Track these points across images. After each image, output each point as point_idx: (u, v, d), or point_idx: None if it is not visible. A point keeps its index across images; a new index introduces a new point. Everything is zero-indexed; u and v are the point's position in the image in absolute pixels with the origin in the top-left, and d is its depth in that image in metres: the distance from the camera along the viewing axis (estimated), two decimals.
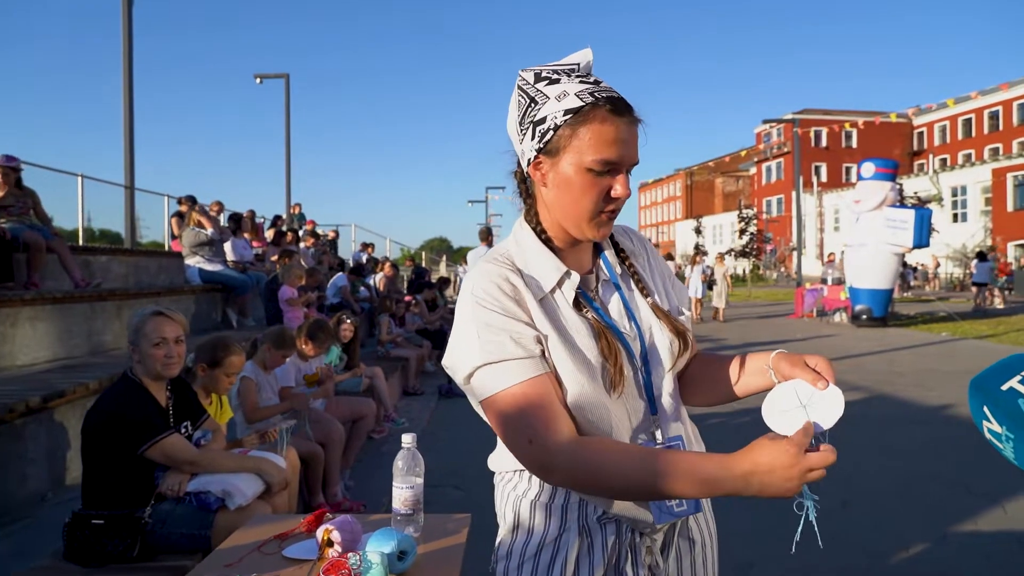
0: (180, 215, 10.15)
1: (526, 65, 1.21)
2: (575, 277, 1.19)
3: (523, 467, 1.17)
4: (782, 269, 46.41)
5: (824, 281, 18.44)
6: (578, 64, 1.17)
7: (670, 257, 22.14)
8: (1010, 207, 34.92)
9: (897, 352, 11.37)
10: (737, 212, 46.58)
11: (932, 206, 29.82)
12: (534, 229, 1.22)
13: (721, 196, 68.14)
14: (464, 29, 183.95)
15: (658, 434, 1.19)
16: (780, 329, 15.38)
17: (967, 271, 30.39)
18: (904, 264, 20.90)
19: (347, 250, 19.00)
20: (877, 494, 4.46)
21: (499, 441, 1.22)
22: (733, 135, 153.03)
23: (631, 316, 1.23)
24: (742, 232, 43.21)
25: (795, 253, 25.33)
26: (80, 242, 9.71)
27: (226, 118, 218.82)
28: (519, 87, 1.18)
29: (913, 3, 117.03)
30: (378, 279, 11.85)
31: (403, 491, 1.71)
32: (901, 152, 49.34)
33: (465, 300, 1.17)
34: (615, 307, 1.23)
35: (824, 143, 50.48)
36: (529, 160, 1.18)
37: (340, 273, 10.56)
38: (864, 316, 15.27)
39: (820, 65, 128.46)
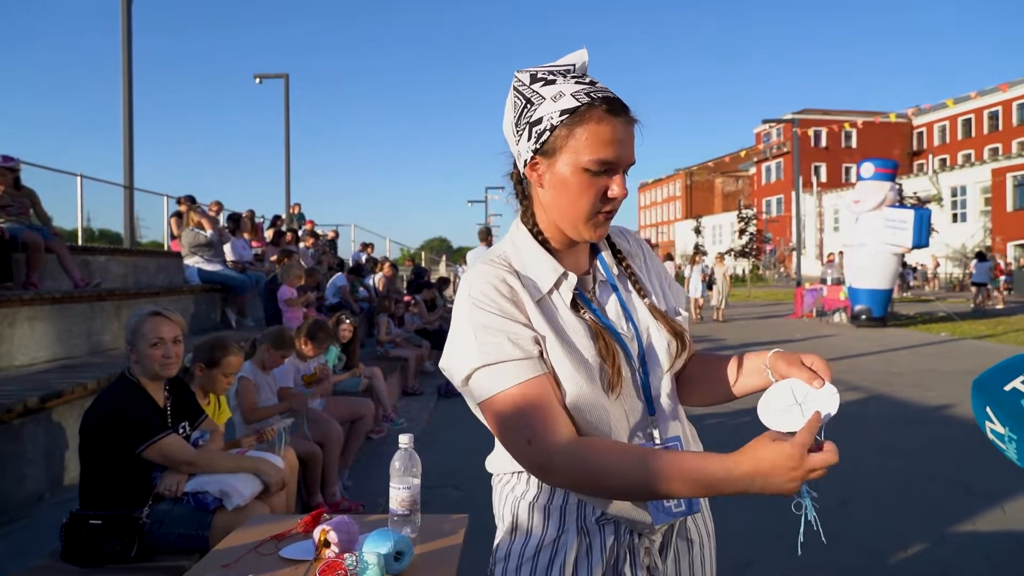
0: (179, 215, 10.15)
1: (526, 65, 1.21)
2: (572, 278, 1.19)
3: (522, 469, 1.16)
4: (781, 269, 46.41)
5: (823, 281, 18.45)
6: (574, 65, 1.17)
7: (670, 257, 22.10)
8: (1009, 207, 34.93)
9: (896, 352, 11.38)
10: (737, 212, 46.61)
11: (931, 206, 29.87)
12: (531, 230, 1.22)
13: (721, 196, 68.16)
14: (464, 29, 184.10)
15: (656, 434, 1.19)
16: (779, 329, 15.38)
17: (966, 271, 30.40)
18: (903, 264, 20.90)
19: (347, 250, 19.02)
20: (876, 494, 4.46)
21: (497, 443, 1.22)
22: (733, 135, 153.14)
23: (628, 317, 1.22)
24: (742, 232, 43.22)
25: (794, 253, 25.33)
26: (79, 242, 9.70)
27: (226, 118, 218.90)
28: (515, 88, 1.18)
29: (913, 3, 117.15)
30: (377, 279, 11.85)
31: (400, 492, 1.71)
32: (901, 152, 49.36)
33: (462, 302, 1.16)
34: (612, 308, 1.23)
35: (824, 143, 50.50)
36: (526, 161, 1.18)
37: (339, 273, 10.56)
38: (863, 316, 15.27)
39: (820, 65, 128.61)
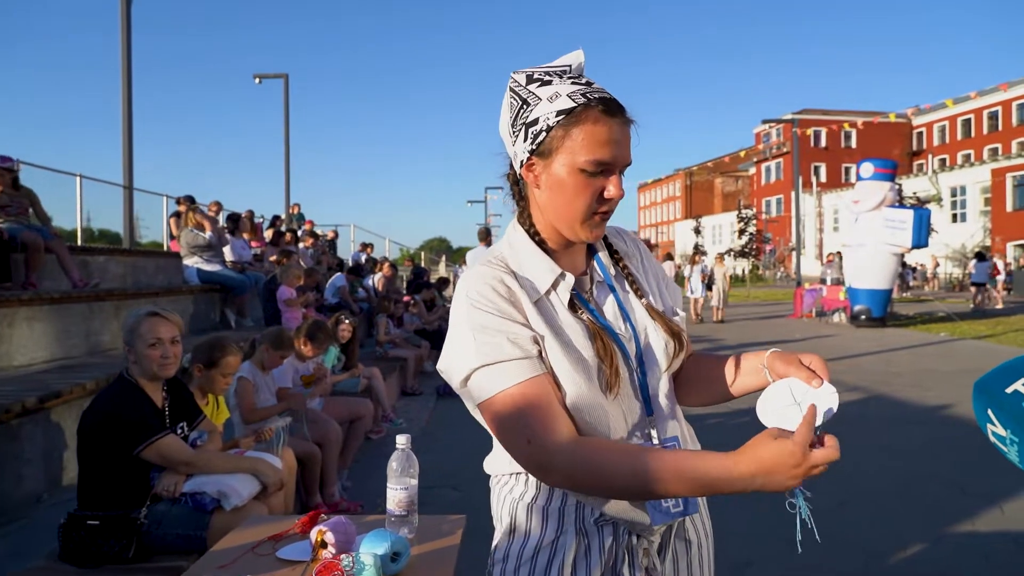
0: (178, 215, 10.15)
1: (525, 65, 1.21)
2: (570, 279, 1.19)
3: (520, 469, 1.16)
4: (781, 269, 46.43)
5: (823, 281, 18.45)
6: (570, 66, 1.16)
7: (670, 257, 22.10)
8: (1009, 207, 34.94)
9: (895, 352, 11.38)
10: (736, 212, 46.64)
11: (931, 206, 29.88)
12: (527, 231, 1.22)
13: (720, 196, 68.18)
14: (463, 28, 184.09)
15: (654, 434, 1.19)
16: (779, 329, 15.38)
17: (966, 271, 30.39)
18: (903, 264, 20.90)
19: (346, 250, 19.02)
20: (875, 494, 4.46)
21: (495, 444, 1.22)
22: (732, 135, 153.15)
23: (626, 317, 1.22)
24: (741, 232, 43.25)
25: (794, 253, 25.34)
26: (79, 242, 9.70)
27: (225, 118, 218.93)
28: (511, 89, 1.18)
29: (913, 3, 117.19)
30: (377, 279, 11.85)
31: (397, 492, 1.71)
32: (900, 152, 49.38)
33: (460, 303, 1.16)
34: (610, 308, 1.23)
35: (823, 143, 50.51)
36: (522, 162, 1.18)
37: (339, 273, 10.56)
38: (863, 316, 15.27)
39: (819, 65, 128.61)
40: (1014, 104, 42.71)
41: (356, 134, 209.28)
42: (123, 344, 2.69)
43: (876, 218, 14.89)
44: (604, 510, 1.15)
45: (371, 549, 1.50)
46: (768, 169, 56.52)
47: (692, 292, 17.18)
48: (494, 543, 1.25)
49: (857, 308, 15.42)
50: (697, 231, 48.85)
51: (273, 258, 9.66)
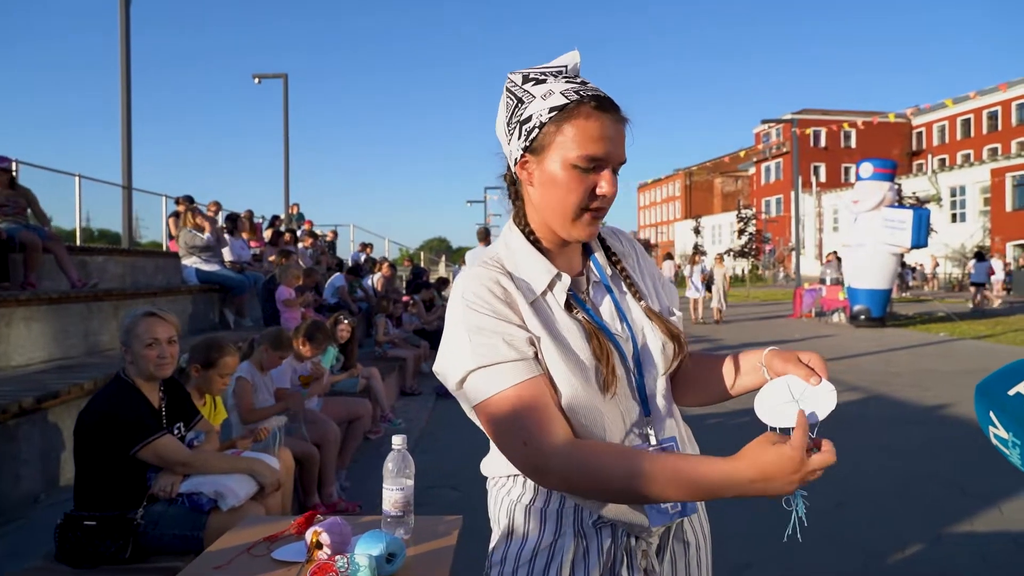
0: (177, 215, 10.15)
1: (524, 63, 1.21)
2: (566, 279, 1.18)
3: (517, 471, 1.16)
4: (780, 269, 46.46)
5: (823, 281, 18.45)
6: (566, 66, 1.17)
7: (669, 257, 22.10)
8: (1009, 207, 34.94)
9: (895, 352, 11.38)
10: (736, 212, 46.66)
11: (931, 206, 29.88)
12: (522, 230, 1.22)
13: (720, 196, 68.19)
14: (463, 28, 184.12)
15: (651, 435, 1.18)
16: (778, 329, 15.38)
17: (965, 271, 30.41)
18: (902, 264, 20.90)
19: (346, 250, 19.02)
20: (874, 494, 4.45)
21: (492, 445, 1.21)
22: (732, 135, 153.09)
23: (623, 317, 1.22)
24: (741, 232, 43.27)
25: (794, 253, 25.34)
26: (78, 242, 9.70)
27: (225, 118, 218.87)
28: (507, 89, 1.18)
29: (912, 3, 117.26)
30: (376, 279, 11.84)
31: (393, 493, 1.70)
32: (900, 152, 49.39)
33: (455, 305, 1.15)
34: (606, 309, 1.22)
35: (823, 143, 50.52)
36: (516, 160, 1.18)
37: (338, 273, 10.55)
38: (862, 316, 15.27)
39: (819, 65, 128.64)
40: (1014, 104, 42.71)
41: (355, 134, 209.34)
42: (120, 344, 2.69)
43: (875, 218, 14.90)
44: (602, 512, 1.15)
45: (366, 550, 1.50)
46: (768, 169, 56.53)
47: (693, 292, 17.16)
48: (491, 545, 1.24)
49: (856, 308, 15.42)
50: (697, 231, 48.87)
51: (272, 258, 9.66)
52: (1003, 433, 0.95)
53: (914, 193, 33.67)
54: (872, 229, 14.89)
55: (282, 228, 13.35)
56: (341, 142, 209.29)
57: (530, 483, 1.18)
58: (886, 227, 14.70)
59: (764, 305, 23.96)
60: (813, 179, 46.46)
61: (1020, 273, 27.84)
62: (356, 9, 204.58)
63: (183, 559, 2.46)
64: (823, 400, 1.04)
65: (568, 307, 1.17)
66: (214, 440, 2.97)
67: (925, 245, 15.19)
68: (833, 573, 3.36)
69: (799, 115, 44.71)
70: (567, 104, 1.12)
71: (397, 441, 1.72)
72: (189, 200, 10.09)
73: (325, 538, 1.59)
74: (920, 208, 15.95)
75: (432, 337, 9.66)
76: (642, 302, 1.24)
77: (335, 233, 18.55)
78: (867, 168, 15.51)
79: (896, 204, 15.61)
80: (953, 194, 38.78)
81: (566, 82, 1.15)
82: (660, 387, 1.22)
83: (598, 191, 1.13)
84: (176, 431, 2.71)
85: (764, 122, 35.53)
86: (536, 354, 1.12)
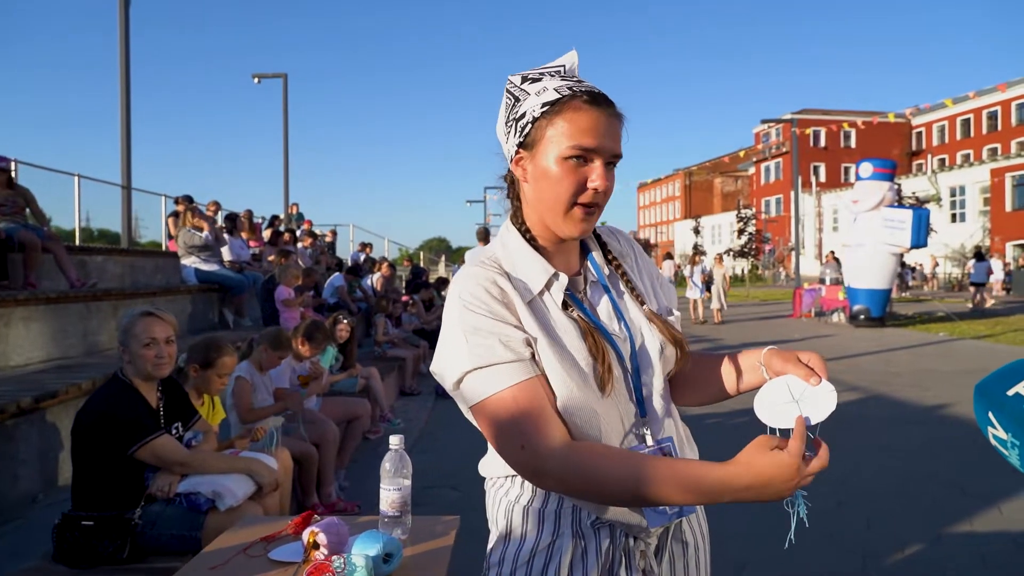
0: (176, 215, 10.14)
1: (524, 62, 1.22)
2: (563, 279, 1.18)
3: (515, 472, 1.15)
4: (780, 269, 46.46)
5: (822, 281, 18.45)
6: (564, 66, 1.18)
7: (669, 256, 22.10)
8: (1008, 207, 34.94)
9: (894, 352, 11.38)
10: (736, 212, 46.66)
11: (930, 206, 29.86)
12: (519, 229, 1.21)
13: (720, 196, 68.19)
14: (463, 27, 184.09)
15: (647, 436, 1.18)
16: (778, 329, 15.38)
17: (965, 271, 30.42)
18: (902, 264, 20.90)
19: (345, 250, 19.02)
20: (873, 494, 4.45)
21: (490, 446, 1.21)
22: (732, 135, 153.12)
23: (620, 317, 1.21)
24: (741, 232, 43.26)
25: (793, 253, 25.35)
26: (77, 242, 9.69)
27: (224, 117, 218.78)
28: (506, 89, 1.19)
29: (912, 3, 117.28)
30: (375, 279, 11.84)
31: (390, 493, 1.70)
32: (900, 152, 49.39)
33: (452, 304, 1.15)
34: (604, 309, 1.22)
35: (823, 143, 50.51)
36: (511, 157, 1.19)
37: (337, 273, 10.55)
38: (862, 316, 15.27)
39: (819, 65, 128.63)
40: (1013, 104, 42.71)
41: (355, 134, 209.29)
42: (118, 344, 2.68)
43: (875, 218, 14.90)
44: (600, 513, 1.14)
45: (363, 550, 1.49)
46: (767, 169, 56.53)
47: (693, 293, 17.14)
48: (489, 546, 1.24)
49: (856, 308, 15.42)
50: (696, 231, 48.86)
51: (271, 258, 9.65)
52: (1002, 434, 0.95)
53: (914, 193, 33.65)
54: (872, 229, 14.89)
55: (281, 228, 13.34)
56: (341, 142, 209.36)
57: (528, 484, 1.18)
58: (886, 227, 14.70)
59: (764, 305, 23.96)
60: (813, 179, 46.47)
61: (1020, 273, 27.84)
62: (356, 9, 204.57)
63: (181, 559, 2.46)
64: (823, 401, 1.03)
65: (565, 307, 1.17)
66: (212, 440, 2.97)
67: (925, 245, 15.19)
68: (832, 573, 3.35)
69: (799, 115, 44.70)
70: (559, 98, 1.12)
71: (394, 441, 1.71)
72: (188, 200, 10.08)
73: (322, 538, 1.59)
74: (920, 208, 15.95)
75: (431, 337, 9.65)
76: (644, 305, 1.24)
77: (334, 233, 18.55)
78: (867, 168, 15.51)
79: (896, 204, 15.61)
80: (953, 194, 38.78)
81: (562, 80, 1.15)
82: (657, 387, 1.21)
83: (589, 184, 1.13)
84: (174, 431, 2.71)
85: (764, 122, 35.52)
86: (533, 355, 1.11)
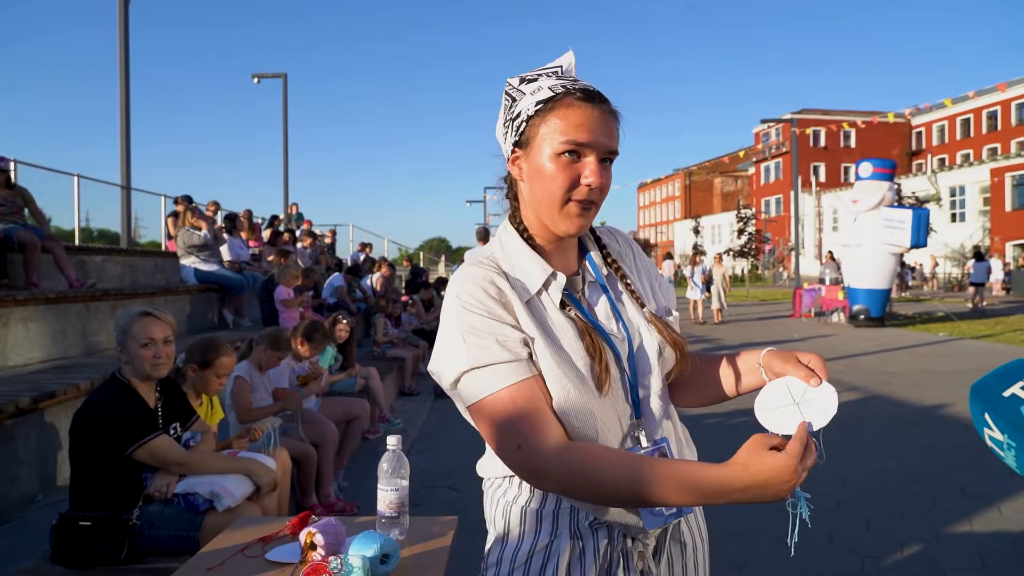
0: (176, 215, 10.14)
1: (522, 63, 1.22)
2: (561, 278, 1.17)
3: (513, 473, 1.15)
4: (780, 269, 46.45)
5: (822, 281, 18.45)
6: (560, 67, 1.18)
7: (669, 256, 22.08)
8: (1008, 207, 34.93)
9: (894, 352, 11.37)
10: (735, 212, 46.65)
11: (930, 206, 29.88)
12: (517, 228, 1.21)
13: (720, 196, 68.19)
14: (463, 27, 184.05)
15: (642, 438, 1.17)
16: (778, 329, 15.37)
17: (964, 271, 30.42)
18: (902, 264, 20.90)
19: (345, 250, 19.02)
20: (873, 494, 4.45)
21: (487, 446, 1.21)
22: (731, 135, 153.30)
23: (618, 317, 1.21)
24: (740, 232, 43.26)
25: (793, 253, 25.35)
26: (76, 242, 9.69)
27: (224, 117, 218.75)
28: (505, 91, 1.20)
29: (912, 3, 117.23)
30: (375, 279, 11.83)
31: (388, 493, 1.70)
32: (899, 152, 49.38)
33: (450, 304, 1.15)
34: (602, 309, 1.21)
35: (823, 143, 50.51)
36: (507, 157, 1.19)
37: (336, 273, 10.55)
38: (862, 316, 15.27)
39: (819, 65, 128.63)
40: (1013, 104, 42.70)
41: (355, 134, 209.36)
42: (115, 344, 2.68)
43: (875, 218, 14.90)
44: (598, 513, 1.14)
45: (360, 551, 1.49)
46: (767, 169, 56.52)
47: (693, 293, 17.12)
48: (487, 547, 1.24)
49: (856, 308, 15.42)
50: (696, 231, 48.86)
51: (271, 258, 9.65)
52: (998, 435, 0.94)
53: (913, 193, 33.69)
54: (871, 229, 14.88)
55: (281, 228, 13.33)
56: (341, 142, 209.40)
57: (525, 484, 1.17)
58: (885, 227, 14.70)
59: (764, 305, 23.96)
60: (813, 179, 46.46)
61: (1020, 273, 27.84)
62: (356, 9, 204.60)
63: (179, 559, 2.45)
64: (825, 404, 1.02)
65: (563, 306, 1.16)
66: (210, 440, 2.96)
67: (924, 245, 15.19)
68: (831, 573, 3.35)
69: (799, 115, 44.71)
70: (553, 96, 1.13)
71: (392, 442, 1.71)
72: (188, 200, 10.08)
73: (319, 539, 1.58)
74: (919, 208, 15.96)
75: (431, 337, 9.64)
76: (645, 308, 1.23)
77: (334, 233, 18.54)
78: (866, 168, 15.51)
79: (895, 204, 15.61)
80: (952, 194, 38.78)
81: (557, 80, 1.16)
82: (655, 388, 1.20)
83: (583, 180, 1.13)
84: (172, 431, 2.70)
85: (764, 122, 35.52)
86: (530, 355, 1.11)
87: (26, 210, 6.33)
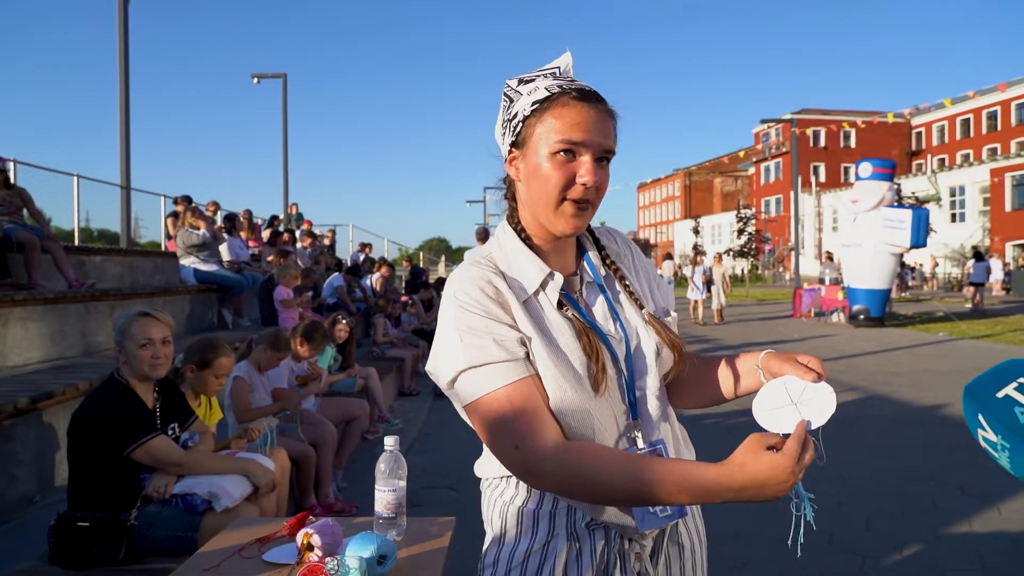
0: (176, 215, 10.13)
1: (522, 62, 1.22)
2: (558, 278, 1.17)
3: (510, 473, 1.15)
4: (780, 269, 46.44)
5: (822, 281, 18.44)
6: (558, 67, 1.19)
7: (669, 257, 22.07)
8: (1008, 207, 34.92)
9: (894, 352, 11.37)
10: (735, 212, 46.63)
11: (930, 206, 29.87)
12: (515, 228, 1.21)
13: (720, 196, 68.19)
14: (463, 27, 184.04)
15: (639, 439, 1.17)
16: (778, 329, 15.37)
17: (964, 271, 30.42)
18: (902, 264, 20.89)
19: (345, 250, 19.01)
20: (872, 494, 4.44)
21: (485, 446, 1.21)
22: (731, 135, 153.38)
23: (616, 318, 1.21)
24: (740, 232, 43.24)
25: (793, 253, 25.35)
26: (76, 242, 9.69)
27: (224, 117, 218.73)
28: (504, 92, 1.20)
29: (912, 3, 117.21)
30: (374, 279, 11.83)
31: (385, 494, 1.69)
32: (899, 152, 49.37)
33: (447, 303, 1.15)
34: (599, 309, 1.21)
35: (822, 143, 50.50)
36: (504, 157, 1.20)
37: (336, 273, 10.54)
38: (861, 316, 15.26)
39: (819, 65, 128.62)
40: (1013, 104, 42.69)
41: (355, 134, 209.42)
42: (114, 344, 2.68)
43: (875, 218, 14.89)
44: (595, 514, 1.14)
45: (357, 552, 1.48)
46: (767, 169, 56.51)
47: (694, 293, 17.10)
48: (484, 547, 1.24)
49: (856, 308, 15.41)
50: (696, 231, 48.84)
51: (270, 258, 9.65)
52: (992, 436, 0.94)
53: (913, 193, 33.67)
54: (871, 229, 14.88)
55: (281, 228, 13.33)
56: (341, 142, 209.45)
57: (523, 484, 1.17)
58: (885, 227, 14.70)
59: (763, 305, 23.96)
60: (812, 179, 46.44)
61: (1019, 273, 27.83)
62: (356, 9, 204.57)
63: (177, 560, 2.45)
64: (823, 403, 1.02)
65: (560, 306, 1.16)
66: (209, 441, 2.96)
67: (924, 245, 15.18)
68: (831, 573, 3.35)
69: (798, 115, 44.70)
70: (548, 96, 1.13)
71: (389, 442, 1.71)
72: (188, 200, 10.08)
73: (316, 540, 1.58)
74: (919, 208, 15.95)
75: (430, 337, 9.62)
76: (643, 309, 1.23)
77: (334, 233, 18.54)
78: (866, 168, 15.50)
79: (895, 204, 15.60)
80: (952, 194, 38.77)
81: (554, 80, 1.16)
82: (652, 389, 1.20)
83: (578, 179, 1.12)
84: (170, 432, 2.70)
85: (763, 122, 35.52)
86: (527, 354, 1.11)
87: (25, 210, 6.33)
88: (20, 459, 3.80)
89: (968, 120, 46.50)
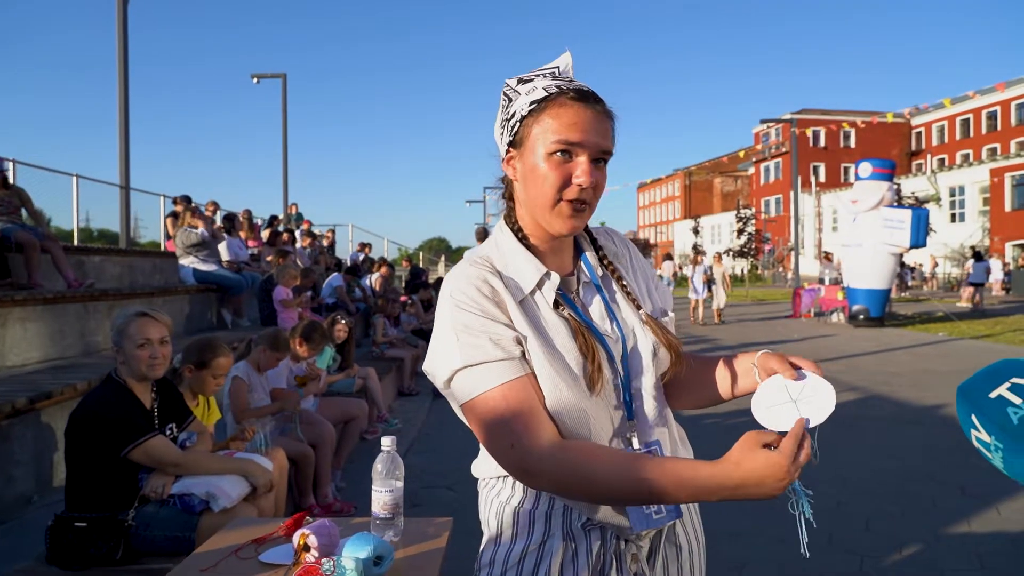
0: (175, 215, 10.13)
1: (521, 62, 1.22)
2: (555, 278, 1.17)
3: (506, 473, 1.15)
4: (780, 269, 46.44)
5: (822, 281, 18.44)
6: (558, 67, 1.19)
7: (669, 257, 22.07)
8: (1008, 207, 34.93)
9: (894, 352, 11.36)
10: (735, 212, 46.64)
11: (930, 206, 29.87)
12: (512, 228, 1.21)
13: (719, 196, 68.19)
14: (463, 26, 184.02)
15: (635, 439, 1.17)
16: (778, 329, 15.36)
17: (964, 271, 30.43)
18: (901, 264, 20.89)
19: (344, 250, 19.01)
20: (872, 494, 4.44)
21: (481, 446, 1.20)
22: (731, 135, 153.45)
23: (613, 318, 1.20)
24: (740, 232, 43.25)
25: (793, 253, 25.35)
26: (75, 242, 9.68)
27: (223, 117, 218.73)
28: (503, 92, 1.20)
29: (912, 3, 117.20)
30: (374, 279, 11.82)
31: (382, 495, 1.69)
32: (899, 152, 49.38)
33: (444, 303, 1.16)
34: (596, 309, 1.21)
35: (822, 143, 50.50)
36: (502, 157, 1.20)
37: (336, 273, 10.53)
38: (861, 316, 15.26)
39: (818, 65, 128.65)
40: (1013, 104, 42.69)
41: (355, 134, 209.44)
42: (112, 344, 2.67)
43: (874, 218, 14.89)
44: (592, 515, 1.14)
45: (353, 553, 1.48)
46: (767, 169, 56.51)
47: (694, 293, 17.10)
48: (481, 547, 1.24)
49: (855, 308, 15.41)
50: (696, 231, 48.84)
51: (270, 258, 9.64)
52: (985, 436, 0.93)
53: (913, 193, 33.68)
54: (871, 229, 14.88)
55: (280, 228, 13.32)
56: (341, 142, 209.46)
57: (519, 485, 1.17)
58: (885, 227, 14.70)
59: (763, 305, 23.95)
60: (812, 179, 46.43)
61: (1019, 273, 27.83)
62: (356, 9, 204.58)
63: (174, 560, 2.44)
64: (822, 401, 1.02)
65: (556, 306, 1.16)
66: (207, 441, 2.95)
67: (924, 245, 15.18)
68: (831, 573, 3.34)
69: (798, 115, 44.71)
70: (546, 96, 1.13)
71: (386, 443, 1.70)
72: (187, 200, 10.07)
73: (312, 540, 1.58)
74: (919, 208, 15.95)
75: (430, 337, 9.61)
76: (641, 310, 1.23)
77: (333, 233, 18.54)
78: (866, 168, 15.50)
79: (895, 204, 15.59)
80: (952, 194, 38.77)
81: (553, 80, 1.16)
82: (648, 390, 1.20)
83: (574, 180, 1.12)
84: (168, 432, 2.70)
85: (763, 122, 35.53)
86: (523, 353, 1.11)
87: (23, 210, 6.33)
88: (18, 459, 3.80)
89: (968, 120, 46.50)
